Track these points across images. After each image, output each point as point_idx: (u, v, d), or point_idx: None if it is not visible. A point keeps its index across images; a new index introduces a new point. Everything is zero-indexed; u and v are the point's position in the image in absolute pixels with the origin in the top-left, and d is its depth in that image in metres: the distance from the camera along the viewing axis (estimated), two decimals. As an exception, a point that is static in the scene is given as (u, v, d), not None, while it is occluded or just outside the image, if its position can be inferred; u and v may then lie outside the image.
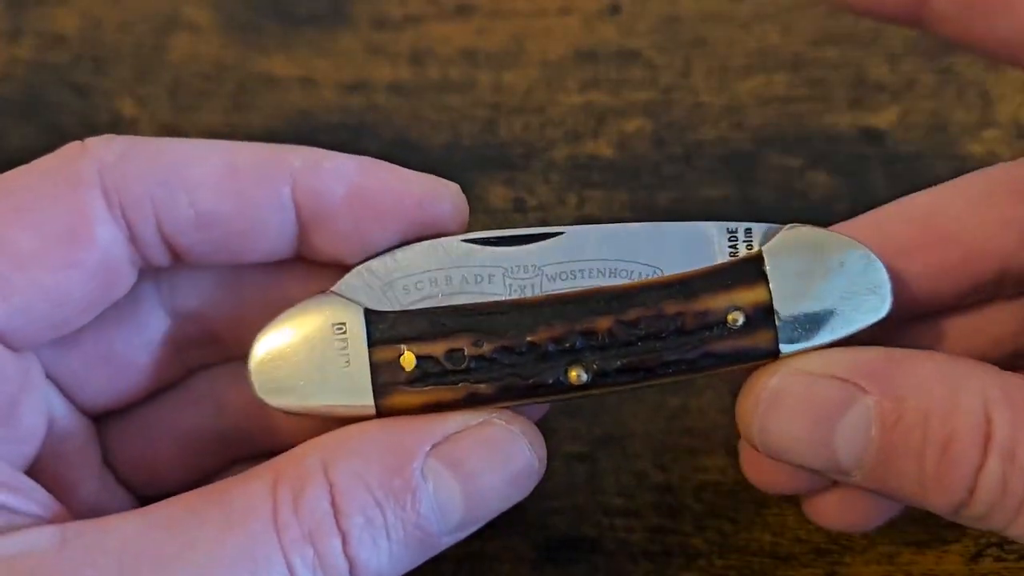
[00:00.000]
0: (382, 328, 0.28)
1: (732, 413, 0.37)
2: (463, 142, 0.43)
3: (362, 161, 0.29)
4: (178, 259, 0.29)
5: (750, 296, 0.27)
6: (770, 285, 0.27)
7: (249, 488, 0.26)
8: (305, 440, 0.28)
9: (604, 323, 0.27)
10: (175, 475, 0.32)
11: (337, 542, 0.25)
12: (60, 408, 0.30)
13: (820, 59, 0.44)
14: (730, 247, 0.28)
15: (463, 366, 0.27)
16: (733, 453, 0.37)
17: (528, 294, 0.28)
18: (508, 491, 0.28)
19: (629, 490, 0.37)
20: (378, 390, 0.27)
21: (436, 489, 0.26)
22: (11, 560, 0.24)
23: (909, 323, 0.31)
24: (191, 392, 0.32)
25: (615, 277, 0.28)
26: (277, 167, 0.28)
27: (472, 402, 0.27)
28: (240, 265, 0.30)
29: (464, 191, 0.42)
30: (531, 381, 0.27)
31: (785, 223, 0.29)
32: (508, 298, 0.28)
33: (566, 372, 0.27)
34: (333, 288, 0.28)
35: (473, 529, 0.28)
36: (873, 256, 0.28)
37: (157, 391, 0.32)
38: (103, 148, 0.27)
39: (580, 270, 0.28)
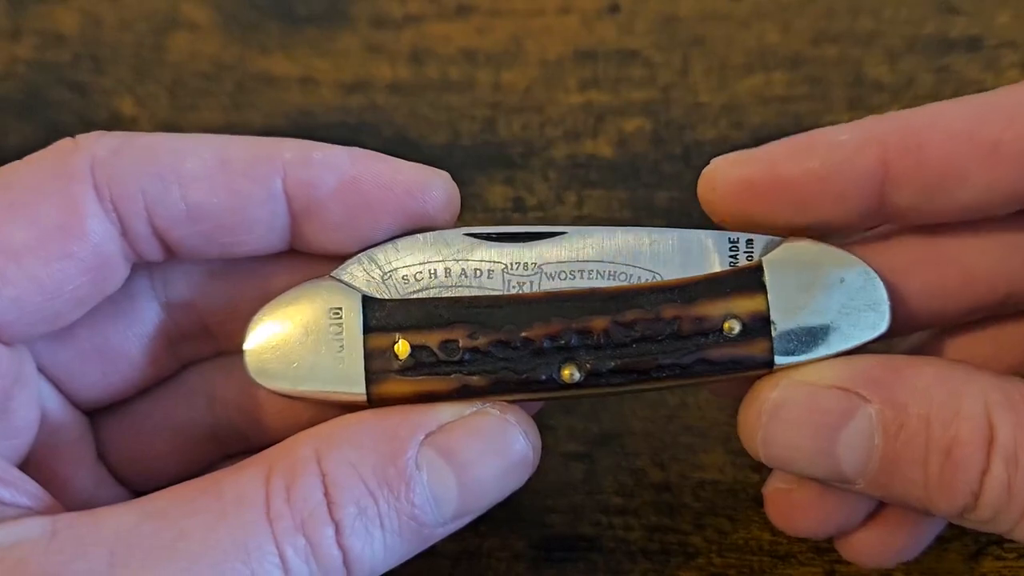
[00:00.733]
0: (378, 315, 0.28)
1: (731, 411, 0.37)
2: (463, 141, 0.43)
3: (353, 152, 0.29)
4: (171, 253, 0.29)
5: (748, 305, 0.27)
6: (768, 296, 0.27)
7: (242, 478, 0.26)
8: (298, 432, 0.28)
9: (600, 323, 0.27)
10: (168, 469, 0.32)
11: (330, 532, 0.25)
12: (53, 402, 0.30)
13: (819, 58, 0.44)
14: (730, 256, 0.28)
15: (457, 357, 0.27)
16: (732, 451, 0.37)
17: (526, 291, 0.28)
18: (503, 481, 0.28)
19: (627, 488, 0.37)
20: (370, 377, 0.27)
21: (430, 479, 0.26)
22: (1, 551, 0.24)
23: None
24: (184, 386, 0.32)
25: (614, 280, 0.28)
26: (268, 160, 0.28)
27: (464, 394, 0.27)
28: (233, 258, 0.30)
29: (464, 190, 0.42)
30: (524, 376, 0.27)
31: None
32: (506, 293, 0.28)
33: (559, 370, 0.27)
34: (333, 273, 0.28)
35: (468, 520, 0.27)
36: (873, 273, 0.28)
37: (150, 385, 0.32)
38: (95, 143, 0.28)
39: (580, 271, 0.28)
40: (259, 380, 0.28)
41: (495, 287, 0.28)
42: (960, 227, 0.28)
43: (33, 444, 0.29)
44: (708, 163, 0.42)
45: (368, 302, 0.28)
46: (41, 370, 0.30)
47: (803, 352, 0.27)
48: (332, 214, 0.28)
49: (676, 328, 0.27)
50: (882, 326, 0.27)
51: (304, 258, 0.30)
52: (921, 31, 0.44)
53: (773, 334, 0.27)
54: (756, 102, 0.43)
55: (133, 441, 0.32)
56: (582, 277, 0.28)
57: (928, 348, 0.31)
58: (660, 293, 0.27)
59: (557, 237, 0.29)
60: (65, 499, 0.29)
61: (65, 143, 0.28)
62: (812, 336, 0.27)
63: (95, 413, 0.32)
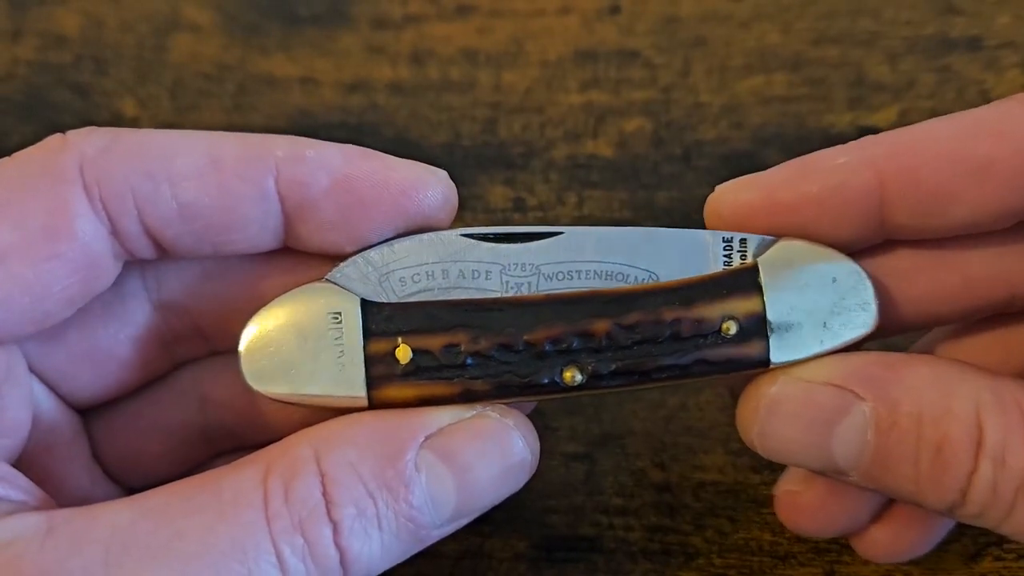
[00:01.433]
0: (378, 319, 0.27)
1: (731, 412, 0.37)
2: (463, 142, 0.43)
3: (346, 150, 0.28)
4: (163, 251, 0.28)
5: (745, 306, 0.27)
6: (764, 296, 0.28)
7: (240, 477, 0.26)
8: (293, 433, 0.28)
9: (602, 326, 0.27)
10: (163, 468, 0.32)
11: (328, 532, 0.25)
12: (46, 402, 0.30)
13: (820, 59, 0.44)
14: (725, 256, 0.28)
15: (459, 361, 0.27)
16: (732, 452, 0.37)
17: (525, 292, 0.28)
18: (501, 484, 0.28)
19: (628, 489, 0.37)
20: (371, 382, 0.27)
21: (429, 481, 0.26)
22: None
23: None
24: (177, 386, 0.32)
25: (611, 280, 0.28)
26: (260, 158, 0.28)
27: (466, 398, 0.27)
28: (226, 257, 0.29)
29: (464, 191, 0.42)
30: (526, 380, 0.27)
31: None
32: (506, 295, 0.28)
33: (561, 373, 0.27)
34: (328, 276, 0.28)
35: (465, 522, 0.27)
36: (863, 273, 0.28)
37: (143, 385, 0.32)
38: (84, 141, 0.27)
39: (577, 271, 0.28)
40: (256, 386, 0.27)
41: (493, 288, 0.28)
42: (961, 236, 0.28)
43: (26, 443, 0.29)
44: (709, 164, 0.42)
45: (367, 306, 0.27)
46: (33, 370, 0.29)
47: (797, 350, 0.27)
48: (326, 213, 0.28)
49: (676, 330, 0.27)
50: (870, 325, 0.28)
51: (299, 257, 0.29)
52: (921, 32, 0.44)
53: (769, 334, 0.27)
54: (757, 103, 0.43)
55: (127, 440, 0.32)
56: (580, 277, 0.28)
57: (939, 349, 0.32)
58: (660, 295, 0.28)
59: (554, 237, 0.28)
60: (60, 498, 0.28)
61: (53, 140, 0.27)
62: (806, 334, 0.27)
63: (89, 412, 0.31)
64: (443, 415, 0.27)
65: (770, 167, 0.29)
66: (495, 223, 0.41)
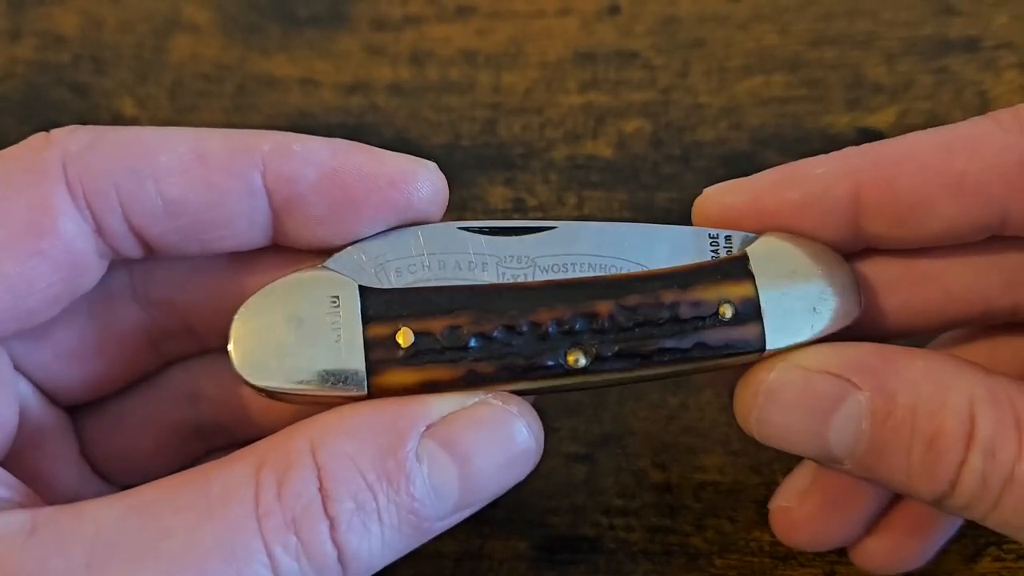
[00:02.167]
0: (377, 304, 0.27)
1: (731, 412, 0.37)
2: (463, 142, 0.43)
3: (334, 143, 0.28)
4: (149, 249, 0.28)
5: (738, 291, 0.28)
6: (756, 283, 0.28)
7: (231, 472, 0.25)
8: (286, 426, 0.27)
9: (605, 307, 0.27)
10: (153, 465, 0.32)
11: (324, 528, 0.24)
12: (33, 401, 0.29)
13: (818, 60, 0.44)
14: (711, 251, 0.29)
15: (462, 343, 0.27)
16: (732, 452, 0.37)
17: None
18: (505, 474, 0.27)
19: (628, 489, 0.37)
20: (371, 367, 0.26)
21: (431, 471, 0.25)
22: None
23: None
24: (167, 383, 0.32)
25: (604, 272, 0.28)
26: (246, 153, 0.27)
27: (470, 382, 0.27)
28: (215, 254, 0.29)
29: (464, 191, 0.42)
30: (531, 362, 0.27)
31: None
32: (506, 282, 0.28)
33: (565, 355, 0.27)
34: (324, 264, 0.27)
35: (468, 513, 0.27)
36: (846, 264, 0.29)
37: (133, 382, 0.31)
38: (67, 138, 0.27)
39: (572, 263, 0.28)
40: (248, 378, 0.26)
41: (489, 279, 0.28)
42: (939, 248, 0.29)
43: (13, 442, 0.28)
44: (708, 165, 0.42)
45: (365, 291, 0.27)
46: (19, 368, 0.29)
47: (791, 336, 0.28)
48: (314, 208, 0.27)
49: (675, 312, 0.27)
50: (855, 312, 0.29)
51: (288, 253, 0.29)
52: (919, 32, 0.44)
53: (763, 319, 0.28)
54: (755, 104, 0.43)
55: (116, 438, 0.31)
56: (574, 270, 0.28)
57: (952, 350, 0.33)
58: (657, 279, 0.28)
59: (549, 231, 0.29)
60: (49, 496, 0.28)
61: (37, 139, 0.27)
62: (798, 320, 0.28)
63: (77, 410, 0.31)
64: (444, 403, 0.26)
65: (768, 167, 0.30)
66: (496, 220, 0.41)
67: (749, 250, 0.28)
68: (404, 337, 0.26)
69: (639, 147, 0.43)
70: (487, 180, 0.42)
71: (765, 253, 0.28)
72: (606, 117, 0.43)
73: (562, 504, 0.37)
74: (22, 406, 0.29)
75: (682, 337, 0.27)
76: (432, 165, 0.28)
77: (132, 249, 0.28)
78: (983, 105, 0.42)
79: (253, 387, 0.26)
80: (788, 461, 0.37)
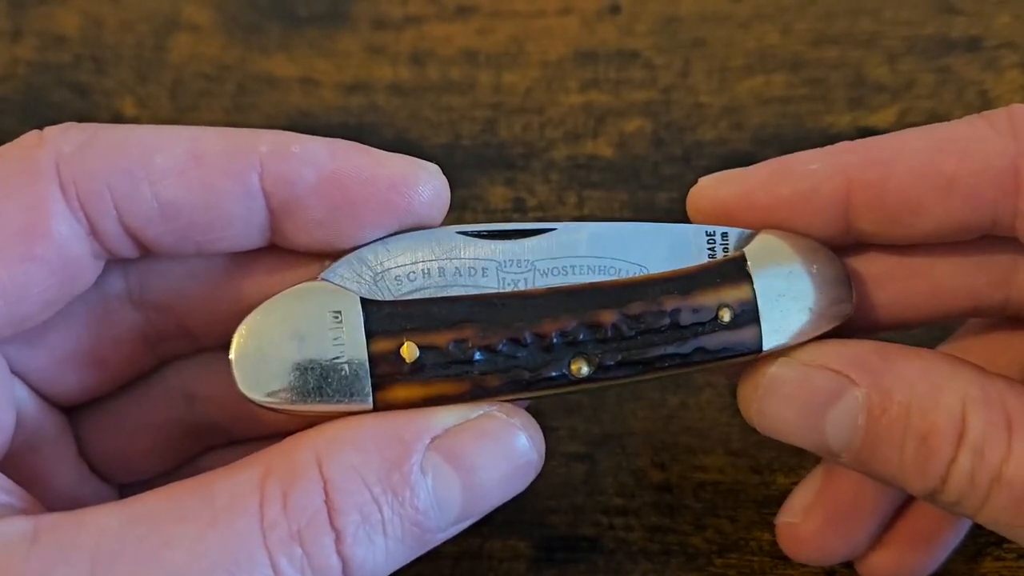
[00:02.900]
0: (380, 318, 0.26)
1: (731, 412, 0.37)
2: (463, 142, 0.43)
3: (334, 144, 0.27)
4: (145, 250, 0.28)
5: (737, 294, 0.28)
6: (754, 284, 0.28)
7: (236, 482, 0.25)
8: (281, 426, 0.27)
9: (608, 316, 0.27)
10: (152, 464, 0.32)
11: (330, 541, 0.24)
12: (29, 403, 0.29)
13: (819, 59, 0.44)
14: (708, 248, 0.29)
15: (468, 357, 0.27)
16: (732, 452, 0.37)
17: (522, 288, 0.28)
18: (508, 485, 0.27)
19: (628, 489, 0.37)
20: (376, 382, 0.26)
21: (435, 484, 0.26)
22: None
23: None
24: (163, 383, 0.31)
25: (604, 274, 0.28)
26: (244, 154, 0.27)
27: (475, 395, 0.27)
28: (211, 255, 0.29)
29: (464, 191, 0.42)
30: (535, 374, 0.27)
31: None
32: (508, 290, 0.28)
33: (569, 365, 0.27)
34: (322, 275, 0.27)
35: (469, 523, 0.27)
36: (840, 262, 0.29)
37: (129, 383, 0.31)
38: (61, 138, 0.26)
39: (571, 266, 0.28)
40: (252, 396, 0.26)
41: (490, 285, 0.28)
42: (929, 245, 0.30)
43: (10, 445, 0.28)
44: (709, 165, 0.42)
45: (367, 304, 0.27)
46: (14, 371, 0.29)
47: (787, 336, 0.28)
48: (313, 211, 0.27)
49: (676, 319, 0.28)
50: (848, 311, 0.29)
51: (287, 254, 0.29)
52: (921, 32, 0.44)
53: (761, 320, 0.28)
54: (756, 103, 0.43)
55: (114, 437, 0.31)
56: (574, 273, 0.28)
57: (964, 350, 0.33)
58: (658, 285, 0.28)
59: (548, 233, 0.29)
60: (47, 497, 0.28)
61: (30, 138, 0.27)
62: (793, 320, 0.28)
63: (74, 410, 0.31)
64: (448, 416, 0.26)
65: None
66: (495, 223, 0.41)
67: (746, 250, 0.29)
68: (408, 351, 0.26)
69: (640, 147, 0.43)
70: (487, 180, 0.42)
71: (762, 253, 0.29)
72: (607, 117, 0.43)
73: (561, 504, 0.37)
74: (19, 409, 0.29)
75: (682, 343, 0.28)
76: (434, 168, 0.28)
77: (127, 250, 0.28)
78: (985, 105, 0.42)
79: (259, 405, 0.26)
80: (788, 461, 0.37)
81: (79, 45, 0.45)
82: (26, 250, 0.26)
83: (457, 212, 0.42)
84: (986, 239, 0.29)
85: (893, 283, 0.30)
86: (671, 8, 0.45)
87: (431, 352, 0.27)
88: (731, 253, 0.29)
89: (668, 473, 0.37)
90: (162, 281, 0.30)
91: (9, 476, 0.27)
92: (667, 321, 0.28)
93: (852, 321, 0.30)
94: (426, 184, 0.27)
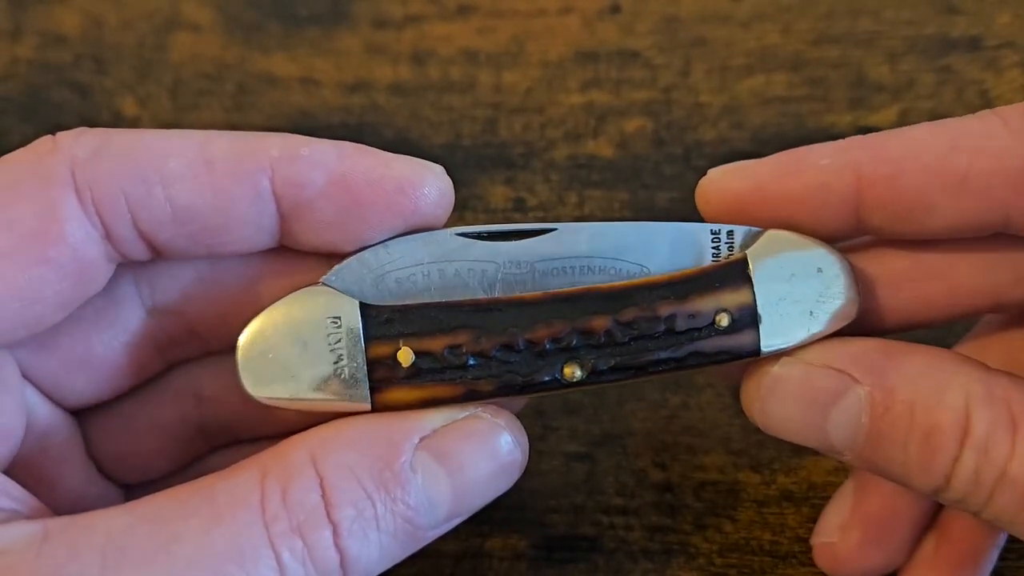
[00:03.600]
0: (378, 322, 0.27)
1: (731, 412, 0.37)
2: (463, 142, 0.43)
3: (342, 147, 0.28)
4: (156, 253, 0.28)
5: (736, 298, 0.28)
6: (754, 287, 0.28)
7: (236, 481, 0.25)
8: (287, 427, 0.28)
9: (601, 323, 0.28)
10: (159, 465, 0.32)
11: (328, 534, 0.25)
12: (39, 406, 0.30)
13: (820, 59, 0.44)
14: (713, 247, 0.29)
15: (462, 362, 0.27)
16: (732, 452, 0.37)
17: (521, 289, 0.28)
18: (493, 483, 0.28)
19: (628, 489, 0.37)
20: (373, 386, 0.27)
21: (425, 481, 0.26)
22: None
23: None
24: (172, 384, 0.32)
25: (605, 274, 0.29)
26: (254, 158, 0.27)
27: (468, 398, 0.27)
28: (221, 257, 0.29)
29: (465, 191, 0.42)
30: (528, 379, 0.27)
31: None
32: (505, 295, 0.28)
33: (561, 370, 0.27)
34: (323, 279, 0.28)
35: (457, 522, 0.28)
36: (846, 264, 0.29)
37: (137, 385, 0.31)
38: (75, 143, 0.27)
39: (572, 267, 0.29)
40: (255, 393, 0.27)
41: (489, 287, 0.28)
42: (946, 243, 0.29)
43: (20, 447, 0.28)
44: (709, 164, 0.42)
45: (366, 309, 0.27)
46: (25, 375, 0.29)
47: (786, 338, 0.28)
48: (322, 213, 0.27)
49: (671, 324, 0.28)
50: (852, 315, 0.29)
51: (295, 255, 0.29)
52: (922, 32, 0.44)
53: (760, 324, 0.28)
54: (757, 103, 0.43)
55: (122, 439, 0.32)
56: (574, 273, 0.29)
57: (982, 347, 0.33)
58: (655, 290, 0.28)
59: (548, 234, 0.29)
60: (55, 498, 0.28)
61: (44, 143, 0.27)
62: (794, 323, 0.28)
63: (83, 412, 0.31)
64: (436, 416, 0.27)
65: None
66: (495, 223, 0.41)
67: (749, 252, 0.28)
68: (405, 356, 0.27)
69: (640, 147, 0.43)
70: (488, 180, 0.42)
71: (765, 254, 0.28)
72: (607, 116, 0.43)
73: (562, 503, 0.37)
74: (29, 412, 0.29)
75: (677, 348, 0.28)
76: (439, 169, 0.28)
77: (139, 252, 0.28)
78: (985, 104, 0.42)
79: (265, 404, 0.27)
80: (788, 461, 0.37)
81: (79, 45, 0.45)
82: (40, 253, 0.26)
83: (457, 212, 0.41)
84: (1004, 236, 0.29)
85: (911, 284, 0.30)
86: (671, 8, 0.45)
87: (426, 357, 0.27)
88: (733, 256, 0.29)
89: (669, 473, 0.37)
90: (172, 283, 0.30)
91: (18, 478, 0.27)
92: (662, 327, 0.28)
93: (871, 323, 0.30)
94: (432, 185, 0.28)
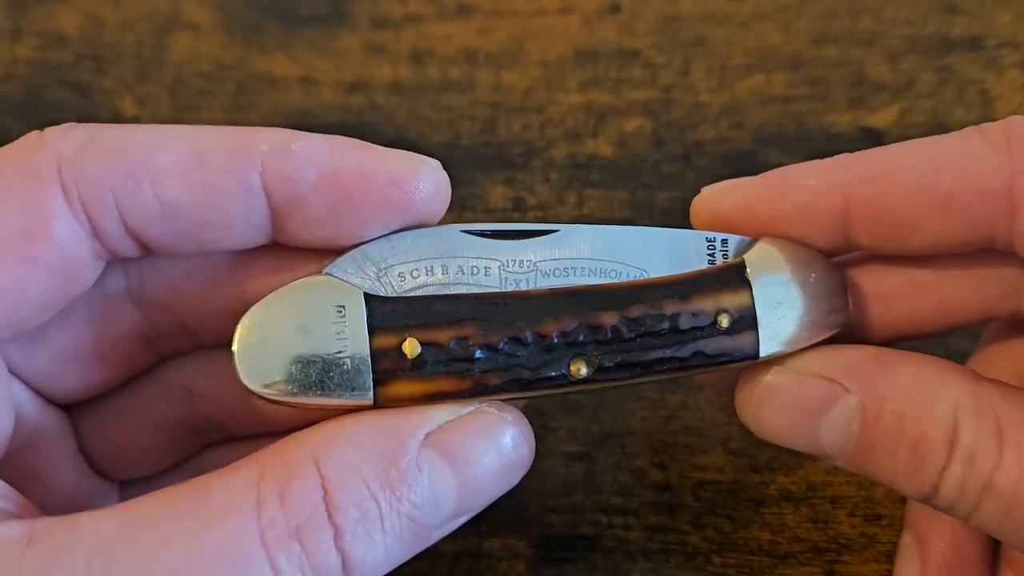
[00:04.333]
0: (383, 313, 0.27)
1: (730, 412, 0.37)
2: (463, 141, 0.43)
3: (334, 141, 0.27)
4: (146, 250, 0.28)
5: (735, 300, 0.28)
6: (752, 291, 0.28)
7: (231, 481, 0.25)
8: (282, 424, 0.28)
9: (609, 318, 0.27)
10: (152, 461, 0.32)
11: (329, 536, 0.24)
12: (29, 404, 0.29)
13: (820, 58, 0.44)
14: (708, 254, 0.29)
15: (469, 355, 0.27)
16: (731, 452, 0.37)
17: (523, 288, 0.28)
18: (500, 480, 0.27)
19: (627, 488, 0.37)
20: (377, 378, 0.26)
21: (431, 479, 0.26)
22: None
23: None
24: (163, 380, 0.31)
25: (605, 276, 0.29)
26: (244, 153, 0.27)
27: (475, 392, 0.27)
28: (212, 253, 0.29)
29: (464, 190, 0.42)
30: (536, 373, 0.27)
31: None
32: (510, 290, 0.28)
33: (568, 365, 0.27)
34: (326, 269, 0.27)
35: (464, 520, 0.27)
36: (837, 271, 0.29)
37: (128, 380, 0.31)
38: (62, 139, 0.26)
39: (573, 267, 0.29)
40: (252, 386, 0.26)
41: (492, 284, 0.28)
42: (936, 258, 0.30)
43: (10, 444, 0.28)
44: (709, 164, 0.42)
45: (371, 299, 0.27)
46: (14, 372, 0.29)
47: (783, 343, 0.28)
48: (314, 208, 0.27)
49: (675, 323, 0.28)
50: (844, 319, 0.29)
51: (289, 251, 0.29)
52: (922, 31, 0.44)
53: (759, 326, 0.28)
54: (757, 102, 0.43)
55: (113, 434, 0.31)
56: (576, 274, 0.29)
57: (994, 357, 0.33)
58: (659, 288, 0.28)
59: (551, 235, 0.29)
60: (47, 494, 0.28)
61: (30, 139, 0.27)
62: (790, 328, 0.28)
63: (74, 408, 0.31)
64: (441, 412, 0.26)
65: (770, 167, 0.30)
66: (495, 223, 0.41)
67: (746, 257, 0.29)
68: (411, 348, 0.27)
69: (640, 146, 0.43)
70: (487, 179, 0.42)
71: (761, 261, 0.29)
72: (607, 116, 0.43)
73: (561, 503, 0.37)
74: (18, 409, 0.29)
75: (681, 347, 0.28)
76: (434, 163, 0.28)
77: (129, 250, 0.28)
78: (985, 104, 0.42)
79: (259, 397, 0.26)
80: (787, 461, 0.37)
81: (79, 44, 0.46)
82: (26, 252, 0.26)
83: (457, 211, 0.42)
84: (992, 251, 0.29)
85: (904, 300, 0.30)
86: (671, 7, 0.45)
87: (433, 349, 0.27)
88: (731, 259, 0.29)
89: (667, 473, 0.37)
90: (162, 279, 0.30)
91: (9, 475, 0.27)
92: (666, 325, 0.28)
93: (864, 336, 0.30)
94: (427, 179, 0.27)
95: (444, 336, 0.27)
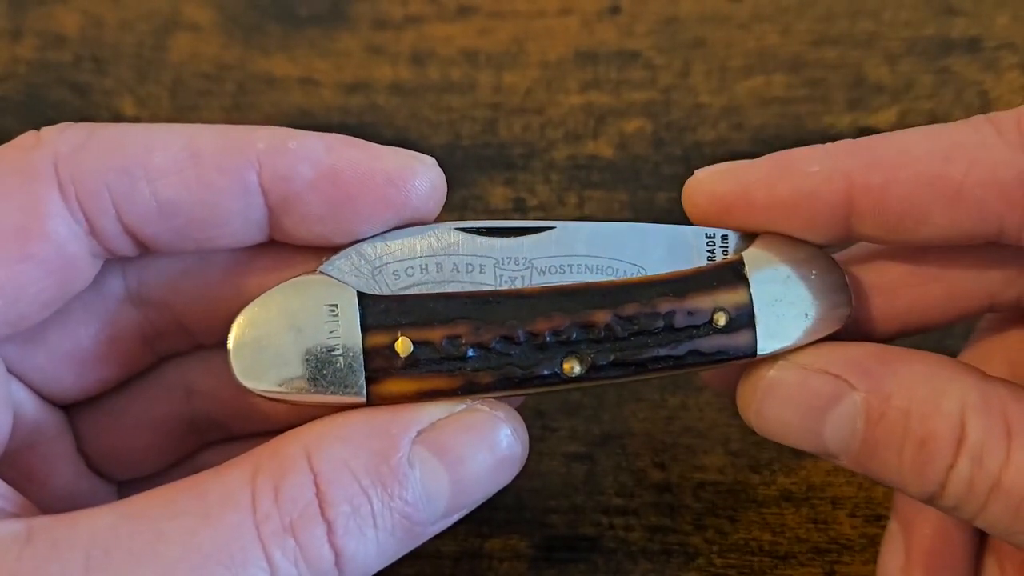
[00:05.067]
0: (376, 312, 0.27)
1: (731, 412, 0.37)
2: (463, 142, 0.43)
3: (330, 140, 0.27)
4: (143, 248, 0.28)
5: (733, 298, 0.28)
6: (751, 288, 0.28)
7: (227, 479, 0.25)
8: (280, 423, 0.28)
9: (602, 317, 0.28)
10: (150, 460, 0.32)
11: (321, 532, 0.25)
12: (27, 403, 0.29)
13: (819, 60, 0.44)
14: (707, 251, 0.29)
15: (461, 353, 0.27)
16: (732, 452, 0.37)
17: (518, 286, 0.28)
18: (493, 477, 0.27)
19: (628, 489, 0.37)
20: (370, 376, 0.27)
21: (423, 476, 0.26)
22: None
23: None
24: (161, 380, 0.31)
25: (602, 273, 0.29)
26: (241, 151, 0.27)
27: (467, 391, 0.27)
28: (210, 251, 0.29)
29: (465, 191, 0.42)
30: (527, 372, 0.27)
31: None
32: (504, 288, 0.28)
33: (561, 364, 0.27)
34: (320, 268, 0.27)
35: (457, 517, 0.27)
36: (838, 268, 0.29)
37: (127, 379, 0.31)
38: (59, 138, 0.27)
39: (569, 265, 0.28)
40: (246, 383, 0.26)
41: (487, 282, 0.28)
42: (940, 248, 0.29)
43: (8, 444, 0.28)
44: (708, 164, 0.42)
45: (364, 298, 0.27)
46: (12, 371, 0.29)
47: (782, 340, 0.28)
48: (311, 206, 0.27)
49: (670, 321, 0.28)
50: (845, 318, 0.29)
51: (285, 249, 0.29)
52: (921, 33, 0.44)
53: (756, 324, 0.28)
54: (756, 104, 0.43)
55: (112, 434, 0.31)
56: (572, 272, 0.28)
57: (977, 355, 0.33)
58: (654, 287, 0.28)
59: (547, 232, 0.29)
60: (45, 495, 0.28)
61: (27, 138, 0.27)
62: (789, 325, 0.28)
63: (72, 407, 0.31)
64: (434, 409, 0.27)
65: None
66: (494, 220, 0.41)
67: (745, 254, 0.29)
68: (403, 346, 0.27)
69: (640, 147, 0.43)
70: (488, 180, 0.42)
71: (760, 257, 0.29)
72: (607, 117, 0.43)
73: (561, 504, 0.37)
74: (17, 408, 0.29)
75: (676, 345, 0.28)
76: (430, 160, 0.28)
77: (126, 248, 0.28)
78: (984, 105, 0.42)
79: (254, 394, 0.27)
80: (788, 461, 0.37)
81: (79, 45, 0.45)
82: (22, 250, 0.26)
83: (457, 212, 0.42)
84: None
85: (908, 291, 0.30)
86: (671, 8, 0.45)
87: (425, 347, 0.27)
88: (729, 256, 0.29)
89: (668, 473, 0.37)
90: (160, 278, 0.30)
91: (8, 474, 0.27)
92: (661, 323, 0.28)
93: (868, 329, 0.30)
94: (422, 177, 0.28)
95: (436, 335, 0.27)
